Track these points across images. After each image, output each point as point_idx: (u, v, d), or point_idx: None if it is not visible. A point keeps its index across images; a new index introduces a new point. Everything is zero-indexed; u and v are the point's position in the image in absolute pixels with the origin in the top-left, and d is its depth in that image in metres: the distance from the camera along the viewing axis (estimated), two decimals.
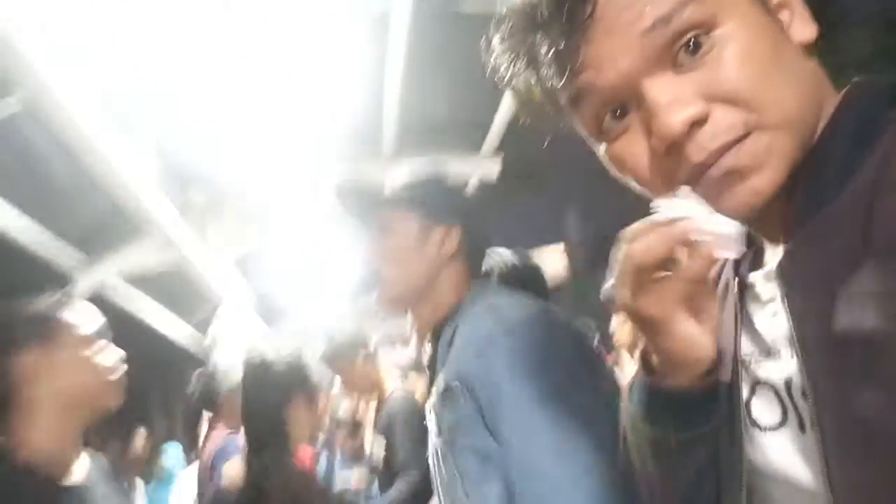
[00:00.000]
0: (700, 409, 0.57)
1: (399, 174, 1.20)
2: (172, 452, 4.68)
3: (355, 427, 3.72)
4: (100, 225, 4.29)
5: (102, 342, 1.26)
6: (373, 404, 2.96)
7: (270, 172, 4.49)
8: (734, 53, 0.47)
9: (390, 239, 1.13)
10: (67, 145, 2.66)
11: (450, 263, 1.12)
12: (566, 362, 0.88)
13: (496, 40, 0.57)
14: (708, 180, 0.48)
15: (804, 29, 0.51)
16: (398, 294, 1.12)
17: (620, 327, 4.10)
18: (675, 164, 0.48)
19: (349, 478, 3.86)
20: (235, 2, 2.58)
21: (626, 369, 4.02)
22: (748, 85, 0.46)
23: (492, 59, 0.58)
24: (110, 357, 1.26)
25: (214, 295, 4.45)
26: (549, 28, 0.51)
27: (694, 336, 0.55)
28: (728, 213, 0.52)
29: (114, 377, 1.25)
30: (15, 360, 1.12)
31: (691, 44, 0.47)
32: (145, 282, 4.72)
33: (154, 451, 4.82)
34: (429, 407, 1.00)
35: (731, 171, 0.47)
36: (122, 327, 1.35)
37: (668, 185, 0.50)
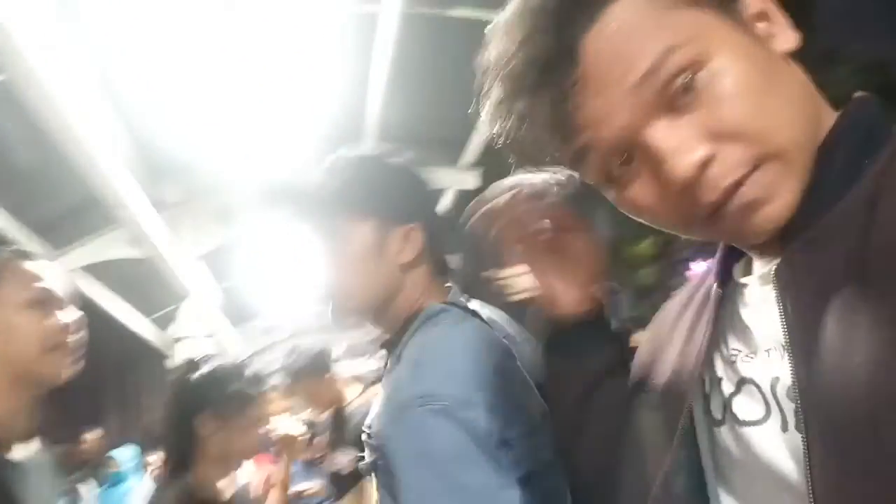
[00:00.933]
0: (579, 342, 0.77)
1: (336, 163, 1.05)
2: (127, 454, 4.56)
3: (312, 437, 3.70)
4: (67, 214, 4.20)
5: (56, 304, 1.14)
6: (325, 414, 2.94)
7: (246, 170, 4.46)
8: (729, 88, 0.47)
9: (341, 247, 1.00)
10: (38, 129, 2.59)
11: (411, 268, 1.01)
12: (463, 451, 0.84)
13: (483, 109, 0.57)
14: (725, 215, 0.48)
15: (786, 37, 0.51)
16: (353, 307, 1.02)
17: None
18: (689, 202, 0.49)
19: (308, 486, 3.83)
20: None
21: None
22: (749, 118, 0.47)
23: (483, 116, 0.58)
24: (63, 321, 1.14)
25: (180, 290, 4.38)
26: (538, 95, 0.51)
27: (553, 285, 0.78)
28: (744, 241, 0.54)
29: (66, 344, 1.13)
30: None
31: (684, 85, 0.48)
32: (107, 273, 4.62)
33: (108, 451, 4.69)
34: (367, 423, 0.96)
35: (748, 204, 0.47)
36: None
37: (684, 223, 0.51)
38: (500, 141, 0.57)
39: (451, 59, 2.43)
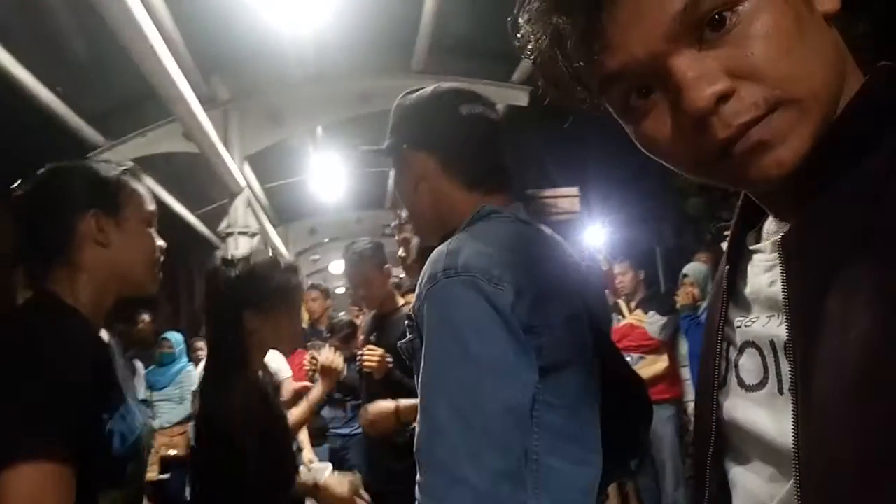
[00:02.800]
0: None
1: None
2: (177, 338, 4.81)
3: (348, 336, 3.87)
4: (122, 106, 4.28)
5: (155, 225, 1.24)
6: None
7: (297, 73, 4.44)
8: (759, 29, 0.47)
9: (393, 176, 1.16)
10: (96, 21, 2.62)
11: (443, 184, 1.08)
12: (462, 332, 0.87)
13: (521, 20, 0.57)
14: (734, 154, 0.48)
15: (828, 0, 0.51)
16: (416, 227, 1.17)
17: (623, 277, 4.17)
18: (702, 140, 0.49)
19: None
20: None
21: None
22: (773, 62, 0.47)
23: (517, 37, 0.58)
24: (160, 244, 1.24)
25: (230, 186, 4.48)
26: (574, 11, 0.51)
27: None
28: (752, 186, 0.53)
29: (160, 263, 1.23)
30: (79, 221, 1.12)
31: (716, 20, 0.47)
32: (161, 165, 4.75)
33: (156, 336, 4.94)
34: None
35: (757, 144, 0.47)
36: None
37: (695, 161, 0.51)
38: (533, 58, 0.58)
39: None
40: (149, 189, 1.25)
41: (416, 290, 0.96)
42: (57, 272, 1.11)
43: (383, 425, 2.03)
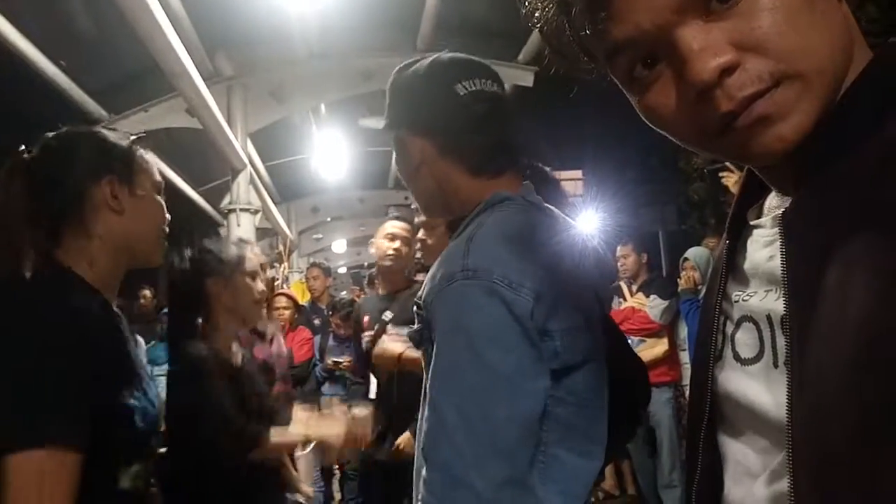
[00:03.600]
0: None
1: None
2: None
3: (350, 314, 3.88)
4: (126, 81, 4.26)
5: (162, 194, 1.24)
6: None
7: (301, 50, 4.41)
8: (767, 2, 0.46)
9: (394, 156, 1.13)
10: None
11: (445, 170, 1.04)
12: (480, 335, 0.86)
13: None
14: (736, 128, 0.48)
15: None
16: (422, 205, 1.13)
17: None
18: (704, 112, 0.49)
19: (340, 360, 4.09)
20: None
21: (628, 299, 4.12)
22: (779, 35, 0.46)
23: (525, 3, 0.58)
24: (165, 211, 1.24)
25: (232, 163, 4.47)
26: None
27: None
28: (753, 161, 0.53)
29: (166, 233, 1.23)
30: (94, 187, 1.10)
31: None
32: (164, 141, 4.73)
33: (157, 311, 4.94)
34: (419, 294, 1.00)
35: (760, 117, 0.47)
36: None
37: (697, 133, 0.51)
38: (540, 26, 0.57)
39: None
40: (155, 159, 1.23)
41: (429, 281, 0.94)
42: (69, 240, 1.09)
43: (385, 362, 2.34)
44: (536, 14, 0.57)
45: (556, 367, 0.87)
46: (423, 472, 0.84)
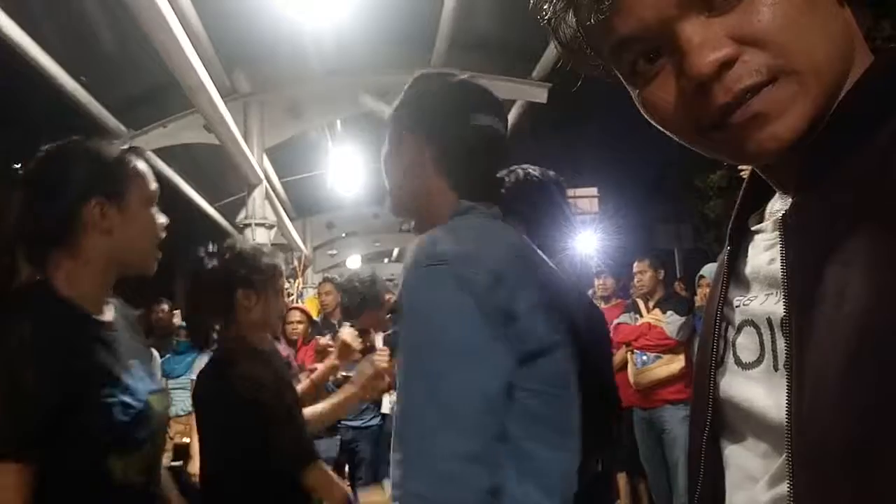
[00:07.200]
0: None
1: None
2: None
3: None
4: (145, 97, 4.33)
5: (156, 204, 1.25)
6: None
7: (317, 67, 4.46)
8: None
9: (385, 146, 1.17)
10: (120, 11, 2.65)
11: (431, 177, 1.10)
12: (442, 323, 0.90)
13: None
14: (731, 125, 0.49)
15: None
16: (395, 203, 1.17)
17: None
18: (701, 105, 0.49)
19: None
20: None
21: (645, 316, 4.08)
22: (779, 30, 0.47)
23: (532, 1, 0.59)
24: (161, 221, 1.24)
25: (248, 178, 4.51)
26: None
27: None
28: (747, 159, 0.53)
29: (160, 241, 1.24)
30: (82, 207, 1.11)
31: None
32: (181, 156, 4.78)
33: (174, 324, 4.98)
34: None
35: (755, 115, 0.48)
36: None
37: (693, 128, 0.52)
38: (548, 23, 0.58)
39: None
40: (150, 168, 1.24)
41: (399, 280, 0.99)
42: (57, 258, 1.11)
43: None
44: (545, 7, 0.57)
45: (521, 349, 0.91)
46: (392, 452, 0.89)
